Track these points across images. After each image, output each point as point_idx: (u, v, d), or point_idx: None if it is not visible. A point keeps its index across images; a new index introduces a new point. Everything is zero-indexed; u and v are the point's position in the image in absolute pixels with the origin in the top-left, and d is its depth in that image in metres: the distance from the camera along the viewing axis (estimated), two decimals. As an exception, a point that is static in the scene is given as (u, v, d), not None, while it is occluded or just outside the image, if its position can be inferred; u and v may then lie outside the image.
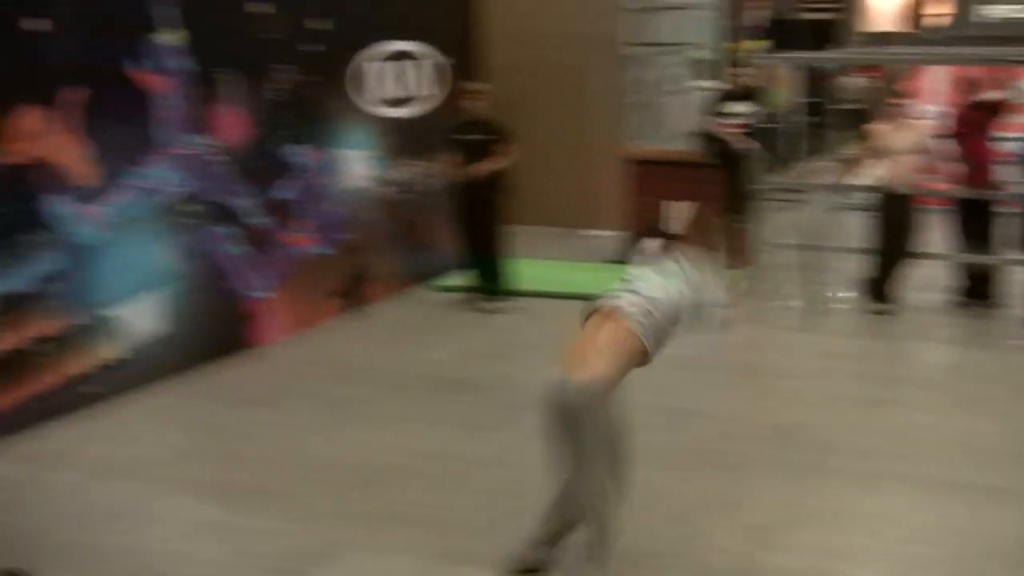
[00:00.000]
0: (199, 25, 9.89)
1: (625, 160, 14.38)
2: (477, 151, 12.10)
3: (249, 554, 6.73)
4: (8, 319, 8.57)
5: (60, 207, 8.86)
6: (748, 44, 23.47)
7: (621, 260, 13.57)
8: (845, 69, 21.06)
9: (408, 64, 12.60)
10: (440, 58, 12.92)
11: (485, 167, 12.01)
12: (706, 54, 19.07)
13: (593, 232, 15.42)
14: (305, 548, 6.80)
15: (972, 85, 12.09)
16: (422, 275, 12.91)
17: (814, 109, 19.87)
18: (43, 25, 8.72)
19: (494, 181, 12.14)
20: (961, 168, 11.93)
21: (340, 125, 11.64)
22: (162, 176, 9.68)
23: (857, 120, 19.87)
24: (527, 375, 9.95)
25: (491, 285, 12.36)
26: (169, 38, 9.68)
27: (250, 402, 9.37)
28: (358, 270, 11.93)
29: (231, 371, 10.15)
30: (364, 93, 11.99)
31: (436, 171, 12.48)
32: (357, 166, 11.93)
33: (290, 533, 6.97)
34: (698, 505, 7.38)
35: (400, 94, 12.47)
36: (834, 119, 18.09)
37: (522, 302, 12.34)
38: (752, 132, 13.49)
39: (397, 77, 12.45)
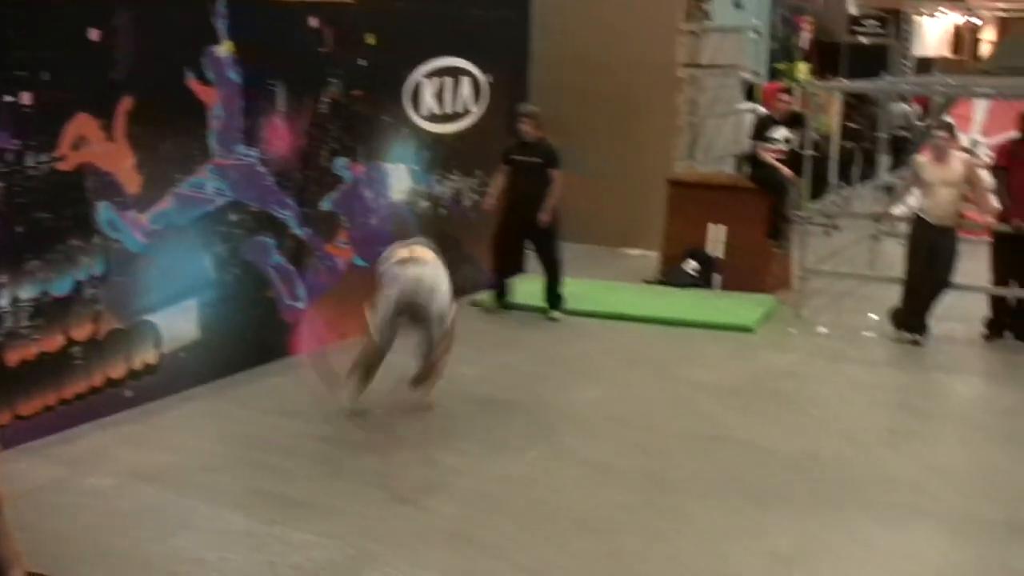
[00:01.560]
0: (251, 37, 10.03)
1: (671, 182, 14.44)
2: (529, 173, 12.25)
3: (277, 565, 6.81)
4: (50, 322, 8.71)
5: (107, 213, 9.02)
6: (798, 66, 23.52)
7: (661, 281, 13.72)
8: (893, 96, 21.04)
9: (456, 81, 12.71)
10: (483, 76, 13.01)
11: (549, 202, 12.26)
12: (756, 77, 19.15)
13: (634, 252, 15.50)
14: (332, 561, 6.89)
15: (1024, 119, 12.08)
16: (461, 290, 12.96)
17: (858, 135, 19.92)
18: (105, 35, 8.88)
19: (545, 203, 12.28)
20: (1004, 201, 11.97)
21: (386, 139, 11.75)
22: (208, 185, 9.83)
23: (902, 148, 19.97)
24: (558, 394, 10.09)
25: (552, 301, 12.55)
26: (223, 50, 9.83)
27: (284, 412, 9.46)
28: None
29: (265, 380, 10.24)
30: (414, 107, 12.11)
31: (491, 190, 12.62)
32: (401, 180, 12.05)
33: (318, 546, 7.05)
34: (724, 532, 7.44)
35: (446, 110, 12.57)
36: (878, 146, 18.11)
37: (559, 320, 12.48)
38: (795, 158, 13.55)
39: (444, 93, 12.55)
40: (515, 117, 12.63)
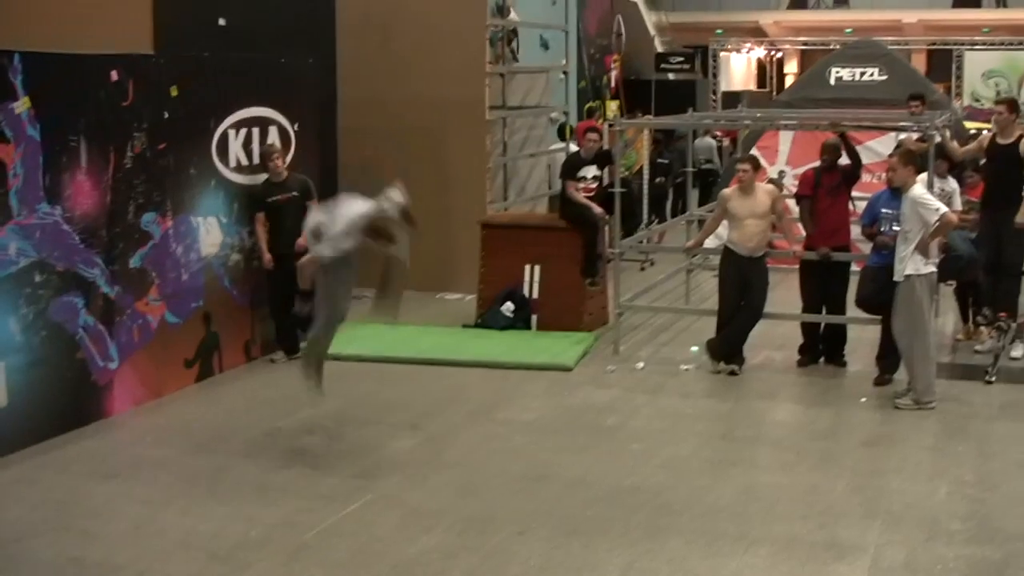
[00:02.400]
0: (49, 91, 9.82)
1: (484, 224, 14.44)
2: (288, 209, 12.15)
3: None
4: None
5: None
6: (608, 104, 23.84)
7: (478, 323, 13.70)
8: (701, 130, 21.43)
9: (263, 130, 12.55)
10: (290, 125, 12.85)
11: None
12: (566, 117, 19.34)
13: (452, 296, 15.44)
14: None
15: (827, 148, 12.34)
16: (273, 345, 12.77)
17: (667, 170, 20.20)
18: None
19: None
20: (811, 229, 12.24)
21: (194, 192, 11.57)
22: (11, 246, 9.56)
23: (713, 181, 20.32)
24: (378, 442, 10.01)
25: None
26: (20, 106, 9.59)
27: (99, 475, 9.23)
28: (211, 338, 11.84)
29: (81, 443, 9.97)
30: (221, 159, 11.94)
31: (259, 244, 12.35)
32: (212, 233, 11.86)
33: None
34: (547, 569, 7.44)
35: (254, 161, 12.39)
36: (689, 180, 18.36)
37: (376, 368, 12.33)
38: (606, 195, 13.66)
39: (252, 143, 12.38)
40: (263, 156, 12.44)
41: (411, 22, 15.90)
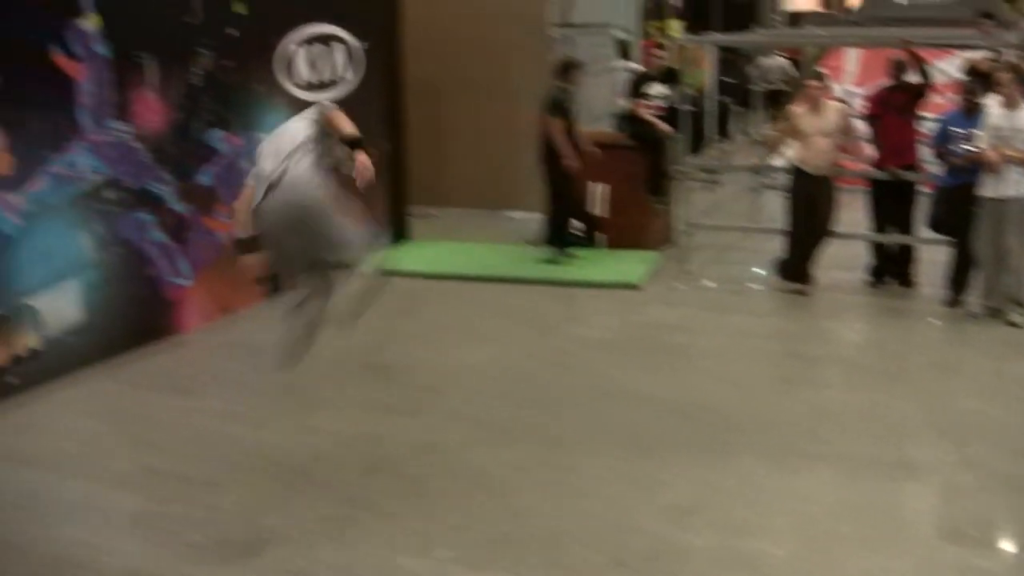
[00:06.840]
0: (117, 9, 9.81)
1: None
2: None
3: (171, 544, 6.71)
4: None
5: (-23, 196, 8.78)
6: (671, 24, 23.61)
7: (542, 241, 13.66)
8: (764, 50, 21.17)
9: (329, 48, 12.53)
10: (354, 41, 12.82)
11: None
12: (629, 35, 19.15)
13: (517, 214, 15.39)
14: (229, 539, 6.80)
15: (895, 67, 12.17)
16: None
17: (734, 89, 20.02)
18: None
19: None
20: (878, 148, 12.10)
21: (260, 109, 11.56)
22: (82, 163, 9.61)
23: (776, 100, 20.13)
24: (447, 357, 10.03)
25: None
26: (88, 22, 9.60)
27: (172, 390, 9.32)
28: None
29: (152, 359, 10.06)
30: (288, 76, 11.94)
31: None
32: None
33: (214, 523, 6.96)
34: (622, 486, 7.45)
35: (321, 78, 12.40)
36: (753, 100, 18.21)
37: (443, 285, 12.37)
38: (671, 113, 13.56)
39: (318, 61, 12.38)
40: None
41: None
